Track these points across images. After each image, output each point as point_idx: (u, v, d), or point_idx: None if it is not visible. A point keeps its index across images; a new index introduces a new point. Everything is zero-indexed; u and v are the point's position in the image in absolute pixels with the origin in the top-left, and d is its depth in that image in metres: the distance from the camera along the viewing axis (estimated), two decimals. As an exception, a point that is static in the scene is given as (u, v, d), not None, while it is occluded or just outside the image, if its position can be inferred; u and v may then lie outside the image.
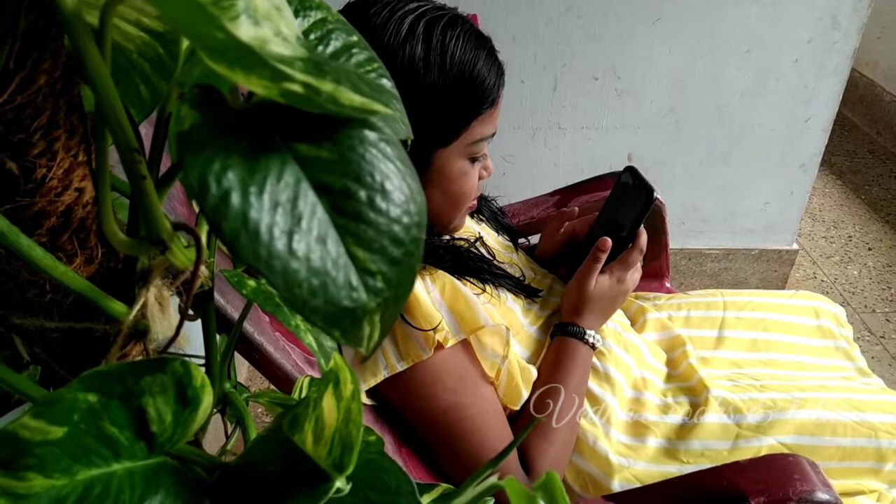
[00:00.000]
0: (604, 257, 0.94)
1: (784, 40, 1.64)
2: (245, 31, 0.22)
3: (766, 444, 0.91)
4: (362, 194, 0.24)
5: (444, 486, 0.43)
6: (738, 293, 1.19)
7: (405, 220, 0.25)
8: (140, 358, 0.34)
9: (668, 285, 1.33)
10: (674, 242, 1.30)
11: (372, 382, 0.79)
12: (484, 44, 0.80)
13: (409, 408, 0.84)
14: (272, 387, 0.73)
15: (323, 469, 0.30)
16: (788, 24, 1.62)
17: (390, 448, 0.80)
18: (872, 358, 1.80)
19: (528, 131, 1.73)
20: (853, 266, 2.17)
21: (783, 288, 2.03)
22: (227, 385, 0.46)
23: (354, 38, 0.36)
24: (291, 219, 0.23)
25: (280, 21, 0.25)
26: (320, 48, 0.33)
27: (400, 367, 0.79)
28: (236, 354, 0.71)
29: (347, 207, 0.24)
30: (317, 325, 0.23)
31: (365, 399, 0.81)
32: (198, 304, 0.37)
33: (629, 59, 1.65)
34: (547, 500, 0.30)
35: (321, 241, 0.23)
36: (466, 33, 0.77)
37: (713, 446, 0.92)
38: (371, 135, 0.26)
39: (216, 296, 0.65)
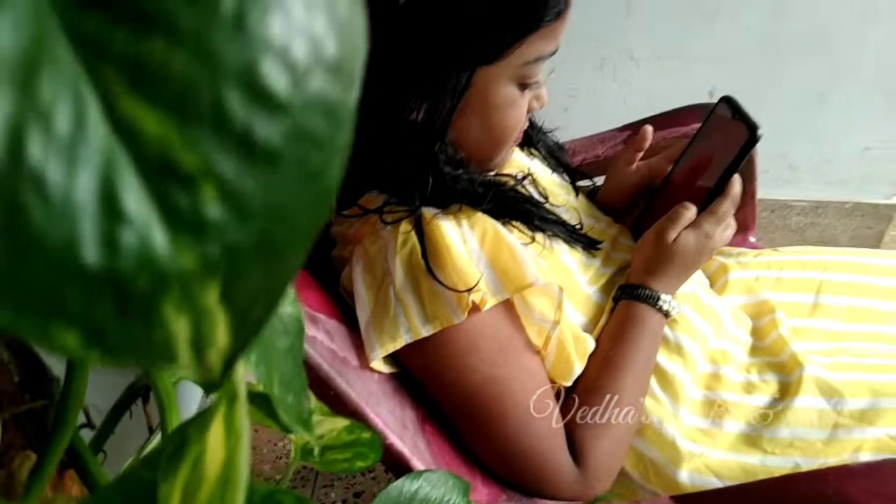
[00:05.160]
0: (694, 209, 0.77)
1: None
2: None
3: (872, 437, 0.75)
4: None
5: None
6: (841, 251, 1.00)
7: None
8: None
9: (752, 240, 1.15)
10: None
11: (390, 348, 0.65)
12: None
13: (435, 380, 0.69)
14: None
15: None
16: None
17: (411, 426, 0.66)
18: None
19: (595, 61, 1.54)
20: (960, 225, 1.91)
21: (877, 247, 1.82)
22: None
23: None
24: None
25: None
26: None
27: (425, 332, 0.64)
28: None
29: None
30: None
31: (382, 367, 0.67)
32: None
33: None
34: None
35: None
36: None
37: (805, 436, 0.76)
38: None
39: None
